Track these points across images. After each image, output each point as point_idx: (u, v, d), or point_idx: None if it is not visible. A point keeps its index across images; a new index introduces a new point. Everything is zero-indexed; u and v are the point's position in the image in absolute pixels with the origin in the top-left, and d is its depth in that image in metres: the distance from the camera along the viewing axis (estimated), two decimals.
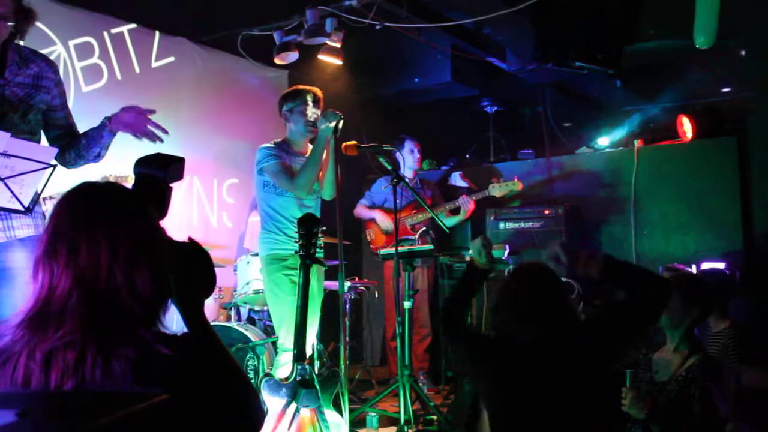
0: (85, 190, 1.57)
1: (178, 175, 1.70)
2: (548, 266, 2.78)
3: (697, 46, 4.55)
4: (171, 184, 1.69)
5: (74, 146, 3.14)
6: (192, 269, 1.57)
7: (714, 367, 3.07)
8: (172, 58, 6.01)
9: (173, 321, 1.76)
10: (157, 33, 5.94)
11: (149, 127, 3.17)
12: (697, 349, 2.99)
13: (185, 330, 1.57)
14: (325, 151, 4.33)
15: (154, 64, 5.92)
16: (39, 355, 1.38)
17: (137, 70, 5.78)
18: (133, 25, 5.76)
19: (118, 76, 5.66)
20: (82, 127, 5.32)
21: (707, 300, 3.18)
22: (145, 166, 1.67)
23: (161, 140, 3.22)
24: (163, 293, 1.52)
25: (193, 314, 1.56)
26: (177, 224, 5.48)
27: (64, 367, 1.37)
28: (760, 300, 5.00)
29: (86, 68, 5.46)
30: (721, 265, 5.24)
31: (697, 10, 4.51)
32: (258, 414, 1.61)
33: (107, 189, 1.58)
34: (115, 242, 1.47)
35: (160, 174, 1.66)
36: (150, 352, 1.40)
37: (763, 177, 5.51)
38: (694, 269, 5.31)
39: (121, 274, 1.46)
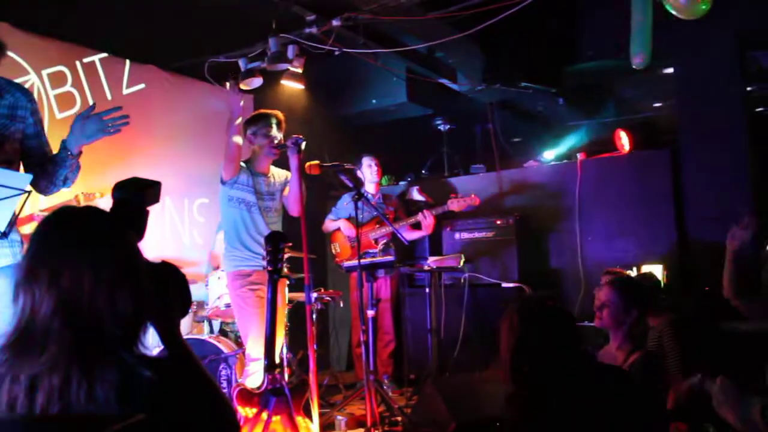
0: (65, 214, 1.52)
1: (155, 199, 1.68)
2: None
3: (633, 67, 4.64)
4: (148, 207, 1.66)
5: (45, 173, 3.07)
6: (167, 290, 1.54)
7: (655, 362, 3.14)
8: (142, 85, 5.97)
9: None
10: (128, 61, 5.89)
11: (105, 121, 3.05)
12: (638, 346, 3.05)
13: (161, 347, 1.55)
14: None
15: (126, 91, 5.87)
16: (24, 380, 1.34)
17: (109, 97, 5.73)
18: (104, 54, 5.71)
19: (91, 102, 5.58)
20: (55, 149, 5.27)
21: (645, 300, 3.25)
22: (123, 190, 1.64)
23: (126, 123, 3.08)
24: (143, 315, 1.48)
25: (169, 334, 1.53)
26: (150, 243, 5.42)
27: (50, 392, 1.33)
28: (693, 298, 5.11)
29: (60, 96, 5.40)
30: (658, 267, 5.35)
31: (632, 33, 4.61)
32: (234, 428, 1.59)
33: (87, 213, 1.54)
34: (97, 265, 1.42)
35: (137, 197, 1.63)
36: (133, 376, 1.36)
37: (694, 185, 5.64)
38: (634, 271, 5.41)
39: (104, 297, 1.41)
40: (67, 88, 5.48)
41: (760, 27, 5.52)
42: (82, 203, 5.11)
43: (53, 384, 1.33)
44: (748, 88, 6.06)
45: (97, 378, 1.34)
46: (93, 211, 1.53)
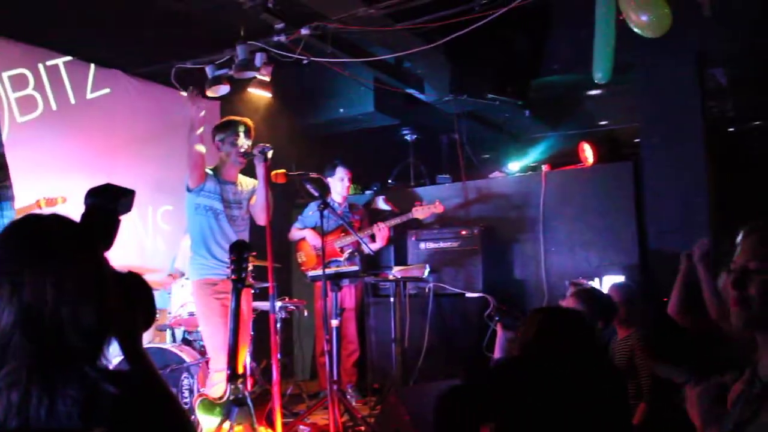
0: (30, 222, 1.45)
1: (128, 208, 1.61)
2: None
3: (596, 81, 4.72)
4: (120, 216, 1.59)
5: None
6: (132, 302, 1.50)
7: (620, 374, 3.18)
8: (107, 90, 5.90)
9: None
10: (93, 65, 5.82)
11: None
12: None
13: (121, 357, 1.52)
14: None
15: (90, 96, 5.79)
16: None
17: (73, 101, 5.66)
18: (68, 58, 5.64)
19: (54, 106, 5.52)
20: (19, 156, 5.19)
21: (610, 311, 3.30)
22: (95, 197, 1.58)
23: None
24: (108, 328, 1.43)
25: (131, 347, 1.49)
26: (112, 249, 5.34)
27: (8, 407, 1.28)
28: (656, 307, 5.19)
29: (21, 99, 5.32)
30: (621, 278, 5.43)
31: (595, 48, 4.69)
32: None
33: (54, 222, 1.46)
34: (62, 277, 1.36)
35: (110, 206, 1.57)
36: (96, 392, 1.32)
37: (655, 197, 5.74)
38: (597, 282, 5.48)
39: (67, 310, 1.35)
40: (29, 91, 5.39)
41: (718, 45, 5.66)
42: (44, 208, 5.03)
43: (11, 400, 1.28)
44: (709, 104, 6.20)
45: (59, 393, 1.29)
46: (59, 220, 1.47)
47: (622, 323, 4.08)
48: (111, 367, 1.45)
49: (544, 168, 6.39)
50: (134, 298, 1.51)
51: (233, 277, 3.62)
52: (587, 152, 6.17)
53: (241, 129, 4.46)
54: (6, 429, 1.28)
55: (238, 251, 3.63)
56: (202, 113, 4.36)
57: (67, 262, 1.39)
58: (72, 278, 1.37)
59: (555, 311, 2.61)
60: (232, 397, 3.49)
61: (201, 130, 4.33)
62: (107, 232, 1.54)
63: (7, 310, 1.34)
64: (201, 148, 4.33)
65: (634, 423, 3.60)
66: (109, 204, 1.57)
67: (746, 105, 6.78)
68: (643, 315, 4.06)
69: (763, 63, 5.93)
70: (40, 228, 1.45)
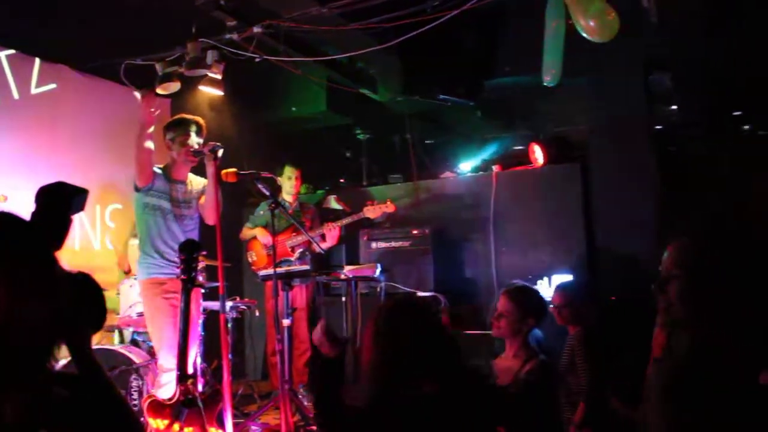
0: None
1: (80, 207, 1.56)
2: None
3: (545, 84, 4.82)
4: (72, 216, 1.53)
5: None
6: (82, 302, 1.48)
7: (551, 369, 3.26)
8: (53, 85, 5.77)
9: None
10: (38, 60, 5.69)
11: None
12: (534, 355, 3.14)
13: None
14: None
15: (34, 91, 5.66)
16: None
17: (16, 96, 5.52)
18: (11, 51, 5.50)
19: None
20: None
21: (541, 309, 3.36)
22: (47, 196, 1.52)
23: None
24: (58, 330, 1.40)
25: (81, 349, 1.47)
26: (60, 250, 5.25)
27: None
28: (601, 306, 5.32)
29: None
30: (569, 277, 5.55)
31: (544, 52, 4.79)
32: None
33: (3, 221, 1.41)
34: (13, 278, 1.32)
35: (63, 205, 1.52)
36: (46, 395, 1.31)
37: (603, 198, 5.88)
38: (546, 281, 5.61)
39: (17, 311, 1.31)
40: None
41: (664, 51, 5.83)
42: None
43: None
44: (655, 108, 6.37)
45: (7, 398, 1.27)
46: (8, 219, 1.42)
47: (567, 322, 4.18)
48: (58, 368, 1.44)
49: (495, 168, 6.49)
50: (84, 299, 1.49)
51: (183, 276, 3.60)
52: (537, 153, 6.28)
53: (193, 128, 4.43)
54: None
55: (188, 251, 3.61)
56: (157, 112, 4.31)
57: (18, 262, 1.36)
58: (23, 279, 1.34)
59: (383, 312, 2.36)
60: (181, 399, 3.47)
61: (152, 129, 4.29)
62: (58, 232, 1.49)
63: None
64: (150, 145, 4.28)
65: (574, 421, 3.69)
66: (61, 203, 1.52)
67: (692, 109, 6.98)
68: (587, 314, 4.15)
69: (708, 67, 6.12)
70: None
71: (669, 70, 6.30)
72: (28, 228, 1.44)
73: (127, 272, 5.65)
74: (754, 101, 6.34)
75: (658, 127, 6.34)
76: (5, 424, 1.26)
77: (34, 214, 1.49)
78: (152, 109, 4.27)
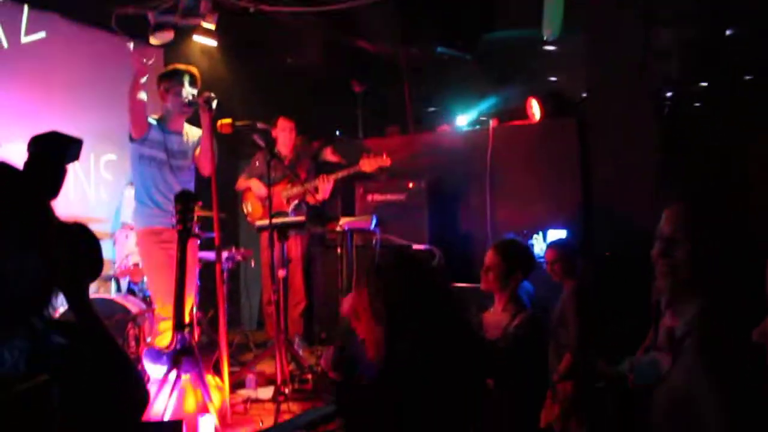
0: None
1: (75, 157, 1.55)
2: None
3: (545, 38, 4.78)
4: (66, 166, 1.52)
5: None
6: (78, 252, 1.49)
7: (539, 323, 3.31)
8: (42, 34, 5.70)
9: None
10: (26, 7, 5.60)
11: None
12: (522, 308, 3.17)
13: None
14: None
15: (24, 39, 5.60)
16: None
17: (5, 45, 5.46)
18: None
19: None
20: None
21: (528, 263, 3.39)
22: (41, 145, 1.51)
23: None
24: (54, 278, 1.41)
25: (77, 298, 1.49)
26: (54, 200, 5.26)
27: None
28: (595, 262, 5.38)
29: None
30: (563, 233, 5.58)
31: (545, 5, 4.74)
32: (143, 395, 1.58)
33: None
34: (6, 227, 1.33)
35: (57, 154, 1.50)
36: (43, 343, 1.32)
37: (599, 153, 5.87)
38: (541, 236, 5.64)
39: (12, 260, 1.32)
40: None
41: (665, 5, 5.76)
42: None
43: None
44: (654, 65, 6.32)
45: (6, 344, 1.28)
46: (2, 168, 1.42)
47: (560, 278, 4.23)
48: (56, 316, 1.46)
49: (492, 123, 6.45)
50: (80, 249, 1.49)
51: (179, 227, 3.62)
52: (534, 108, 6.24)
53: (186, 78, 4.40)
54: None
55: (184, 201, 3.62)
56: (151, 61, 4.27)
57: (12, 212, 1.36)
58: (17, 228, 1.35)
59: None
60: (179, 347, 3.53)
61: (144, 79, 4.26)
62: (53, 181, 1.48)
63: None
64: (143, 97, 4.26)
65: (559, 370, 3.75)
66: (55, 153, 1.51)
67: (691, 66, 6.93)
68: (580, 269, 4.20)
69: (709, 24, 6.06)
70: None
71: (670, 25, 6.24)
72: (22, 177, 1.44)
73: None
74: (756, 58, 6.29)
75: (657, 83, 6.28)
76: (5, 370, 1.27)
77: (27, 164, 1.47)
78: (144, 60, 4.23)
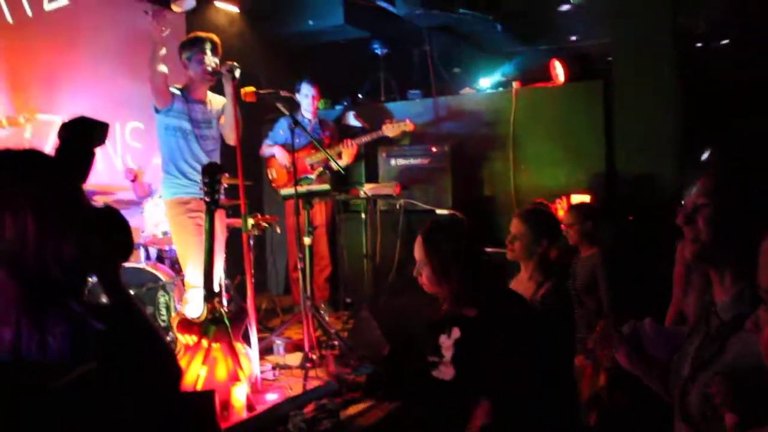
0: (4, 157, 1.44)
1: (101, 141, 1.64)
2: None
3: (572, 2, 4.68)
4: (94, 149, 1.61)
5: None
6: (110, 235, 1.52)
7: (566, 291, 3.31)
8: (65, 1, 5.69)
9: None
10: None
11: None
12: (549, 276, 3.18)
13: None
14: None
15: (48, 7, 5.58)
16: None
17: (30, 13, 5.45)
18: None
19: (10, 20, 5.33)
20: None
21: (554, 230, 3.39)
22: (70, 131, 1.58)
23: None
24: (88, 262, 1.45)
25: (111, 280, 1.52)
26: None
27: (1, 345, 1.30)
28: (620, 227, 5.36)
29: None
30: (587, 197, 5.56)
31: None
32: (177, 373, 1.63)
33: (29, 156, 1.46)
34: (41, 211, 1.37)
35: (85, 139, 1.58)
36: (84, 327, 1.35)
37: (624, 117, 5.80)
38: (564, 200, 5.61)
39: (50, 245, 1.36)
40: None
41: None
42: (6, 127, 4.96)
43: (4, 337, 1.30)
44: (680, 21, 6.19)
45: (48, 330, 1.32)
46: (35, 155, 1.48)
47: (584, 242, 4.23)
48: (96, 303, 1.50)
49: (515, 85, 6.38)
50: (111, 232, 1.54)
51: (206, 198, 3.66)
52: (558, 70, 6.16)
53: (208, 46, 4.40)
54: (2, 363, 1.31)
55: (212, 173, 3.66)
56: (166, 32, 4.27)
57: (46, 197, 1.40)
58: (52, 212, 1.38)
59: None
60: (209, 316, 3.60)
61: (164, 50, 4.26)
62: (83, 166, 1.55)
63: None
64: (163, 69, 4.26)
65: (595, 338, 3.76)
66: (83, 137, 1.58)
67: (718, 21, 6.77)
68: (605, 234, 4.20)
69: None
70: (15, 163, 1.45)
71: None
72: (54, 164, 1.49)
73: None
74: None
75: (683, 41, 6.16)
76: (51, 357, 1.32)
77: (58, 150, 1.54)
78: (163, 28, 4.23)
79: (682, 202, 1.71)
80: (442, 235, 2.66)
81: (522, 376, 2.46)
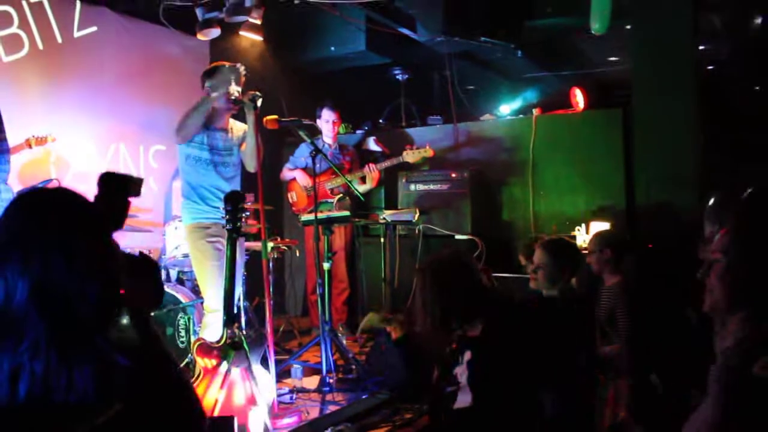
0: (41, 197, 1.50)
1: (137, 193, 1.77)
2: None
3: (594, 33, 4.72)
4: (130, 200, 1.76)
5: None
6: (141, 281, 1.59)
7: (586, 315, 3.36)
8: (94, 28, 5.84)
9: None
10: (78, 2, 5.75)
11: None
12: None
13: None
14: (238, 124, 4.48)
15: (77, 34, 5.74)
16: (6, 367, 1.33)
17: (59, 40, 5.61)
18: None
19: (40, 46, 5.48)
20: (6, 96, 5.16)
21: (577, 261, 3.43)
22: (112, 184, 1.73)
23: None
24: (115, 303, 1.49)
25: (141, 324, 1.57)
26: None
27: (32, 380, 1.33)
28: (640, 255, 5.33)
29: (6, 38, 5.28)
30: (606, 225, 5.55)
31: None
32: (200, 416, 1.66)
33: (64, 198, 1.50)
34: (71, 253, 1.41)
35: (123, 191, 1.72)
36: (110, 365, 1.38)
37: (644, 145, 5.78)
38: (583, 228, 5.61)
39: (75, 285, 1.39)
40: (14, 29, 5.35)
41: None
42: (34, 147, 5.08)
43: (35, 371, 1.33)
44: (702, 50, 6.19)
45: (75, 366, 1.35)
46: (70, 196, 1.51)
47: (605, 270, 4.22)
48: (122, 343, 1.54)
49: (535, 112, 6.42)
50: (143, 278, 1.61)
51: (228, 227, 3.71)
52: (578, 97, 6.20)
53: (232, 76, 4.47)
54: (28, 404, 1.33)
55: (234, 202, 3.71)
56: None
57: (80, 239, 1.44)
58: (82, 254, 1.42)
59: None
60: (228, 341, 3.64)
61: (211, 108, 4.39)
62: (118, 215, 1.66)
63: (20, 283, 1.37)
64: (201, 122, 4.38)
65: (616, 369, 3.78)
66: (121, 189, 1.71)
67: (741, 50, 6.78)
68: (626, 263, 4.19)
69: (758, 7, 5.91)
70: (51, 203, 1.49)
71: (718, 9, 6.11)
72: (92, 208, 1.55)
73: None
74: None
75: (705, 71, 6.17)
76: (78, 397, 1.34)
77: (97, 198, 1.65)
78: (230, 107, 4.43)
79: (704, 239, 1.75)
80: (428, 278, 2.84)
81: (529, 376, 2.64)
